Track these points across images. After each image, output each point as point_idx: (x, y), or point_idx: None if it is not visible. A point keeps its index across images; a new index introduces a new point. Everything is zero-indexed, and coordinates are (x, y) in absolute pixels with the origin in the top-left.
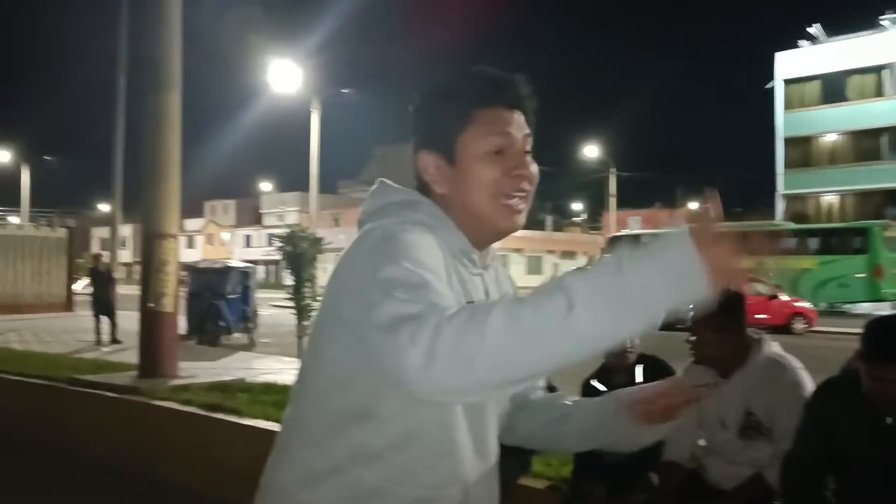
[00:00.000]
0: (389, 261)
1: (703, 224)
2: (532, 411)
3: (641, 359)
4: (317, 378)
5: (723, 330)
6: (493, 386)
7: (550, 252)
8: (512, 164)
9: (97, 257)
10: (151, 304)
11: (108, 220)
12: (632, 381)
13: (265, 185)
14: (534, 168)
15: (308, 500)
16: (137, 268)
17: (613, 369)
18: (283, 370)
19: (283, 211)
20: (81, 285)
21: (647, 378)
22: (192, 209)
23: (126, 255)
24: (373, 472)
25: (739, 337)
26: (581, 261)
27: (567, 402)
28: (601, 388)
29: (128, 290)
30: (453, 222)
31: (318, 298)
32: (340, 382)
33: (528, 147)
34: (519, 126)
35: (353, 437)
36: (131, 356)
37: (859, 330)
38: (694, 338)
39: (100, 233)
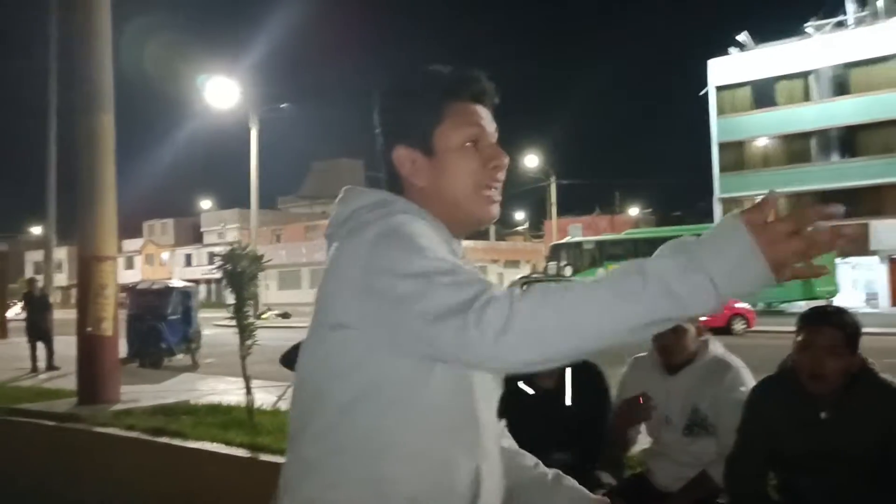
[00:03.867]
0: (405, 251)
1: (758, 213)
2: (526, 486)
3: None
4: (317, 381)
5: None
6: (561, 356)
7: (494, 261)
8: (487, 155)
9: (32, 282)
10: (90, 329)
11: (41, 244)
12: (561, 384)
13: (204, 203)
14: (506, 159)
15: (330, 500)
16: (74, 291)
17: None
18: (227, 390)
19: (223, 228)
20: (15, 311)
21: (576, 381)
22: (130, 229)
23: (62, 278)
24: (382, 458)
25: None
26: (524, 269)
27: (553, 483)
28: (529, 390)
29: (64, 315)
30: (430, 215)
31: (262, 316)
32: (341, 376)
33: (497, 140)
34: (488, 119)
35: (364, 411)
36: (70, 383)
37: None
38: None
39: (33, 256)
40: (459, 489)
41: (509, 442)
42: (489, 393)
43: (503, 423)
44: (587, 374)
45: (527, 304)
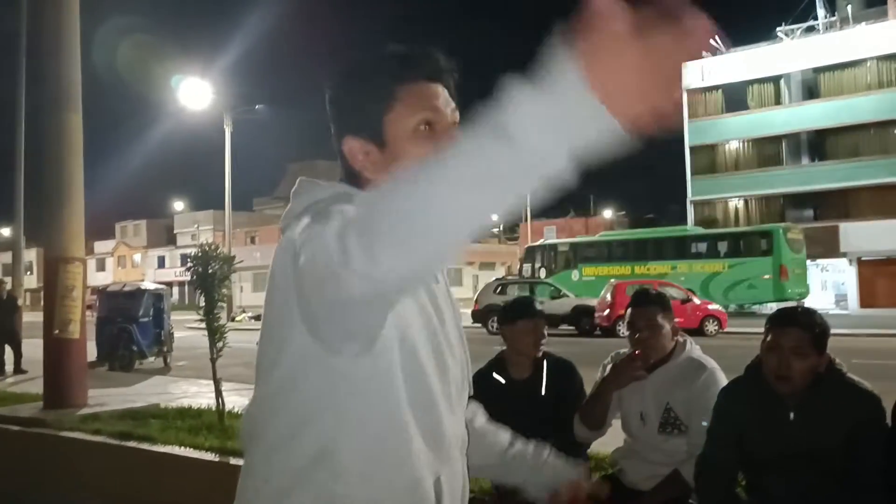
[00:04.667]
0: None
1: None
2: (489, 450)
3: (545, 357)
4: (270, 385)
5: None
6: (404, 257)
7: (470, 264)
8: (444, 138)
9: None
10: (56, 332)
11: (10, 245)
12: (536, 375)
13: (178, 204)
14: None
15: None
16: (44, 294)
17: (515, 362)
18: (198, 393)
19: (196, 230)
20: None
21: (551, 374)
22: (102, 231)
23: (31, 280)
24: (339, 471)
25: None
26: (500, 271)
27: (526, 452)
28: (501, 379)
29: (33, 318)
30: None
31: (236, 319)
32: (294, 382)
33: (457, 120)
34: (445, 99)
35: (315, 431)
36: (37, 386)
37: None
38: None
39: (2, 258)
40: (421, 501)
41: (482, 421)
42: (453, 396)
43: (477, 406)
44: (562, 366)
45: (353, 213)
